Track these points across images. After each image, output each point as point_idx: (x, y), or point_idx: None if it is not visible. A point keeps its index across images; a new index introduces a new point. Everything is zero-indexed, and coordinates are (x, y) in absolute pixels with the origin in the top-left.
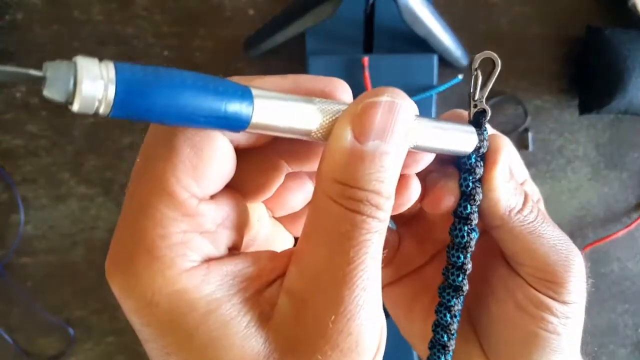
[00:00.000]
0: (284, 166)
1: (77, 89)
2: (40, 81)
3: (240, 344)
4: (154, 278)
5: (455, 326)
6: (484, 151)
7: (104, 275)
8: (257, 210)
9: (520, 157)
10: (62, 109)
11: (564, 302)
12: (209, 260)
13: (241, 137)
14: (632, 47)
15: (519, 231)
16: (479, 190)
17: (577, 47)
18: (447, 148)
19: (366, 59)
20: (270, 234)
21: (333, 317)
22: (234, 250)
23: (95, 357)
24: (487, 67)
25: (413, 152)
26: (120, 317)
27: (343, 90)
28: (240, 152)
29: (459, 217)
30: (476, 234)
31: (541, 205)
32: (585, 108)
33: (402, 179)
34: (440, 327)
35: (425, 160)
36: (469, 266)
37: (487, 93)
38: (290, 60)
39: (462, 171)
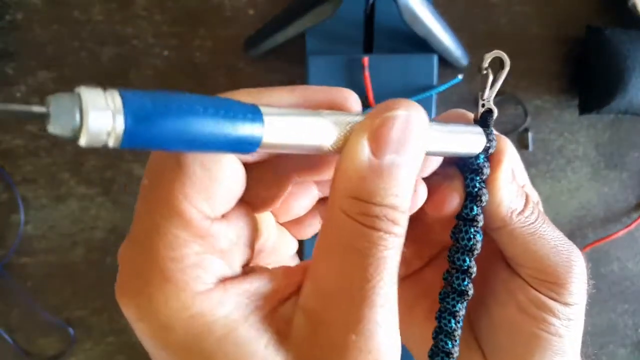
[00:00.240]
0: (293, 177)
1: (84, 123)
2: (44, 118)
3: None
4: (168, 302)
5: (459, 332)
6: (492, 151)
7: (104, 275)
8: (265, 218)
9: (520, 158)
10: None
11: (565, 304)
12: (223, 280)
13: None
14: (632, 47)
15: (520, 232)
16: (485, 191)
17: (577, 47)
18: (457, 151)
19: (366, 59)
20: (276, 240)
21: (354, 336)
22: (246, 264)
23: (95, 357)
24: (494, 66)
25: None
26: (120, 317)
27: (353, 101)
28: (248, 166)
29: (464, 219)
30: (481, 236)
31: (540, 207)
32: (585, 108)
33: None
34: (443, 334)
35: (434, 164)
36: (474, 269)
37: (495, 93)
38: (290, 60)
39: (467, 172)
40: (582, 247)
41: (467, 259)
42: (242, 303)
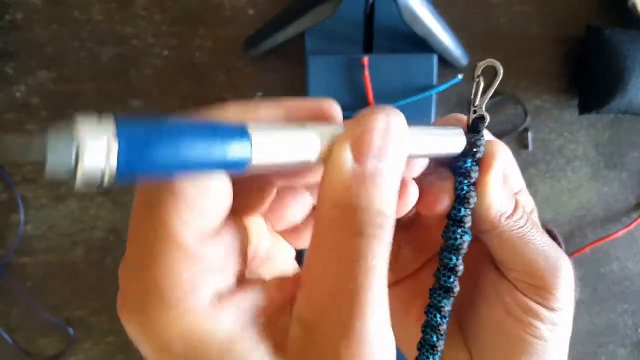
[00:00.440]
0: (275, 181)
1: (79, 172)
2: (41, 162)
3: None
4: (167, 323)
5: (444, 327)
6: (480, 156)
7: (104, 275)
8: (254, 223)
9: (518, 163)
10: (62, 109)
11: (552, 309)
12: (220, 296)
13: None
14: (632, 47)
15: (509, 236)
16: (473, 194)
17: (577, 47)
18: (438, 152)
19: (366, 59)
20: (271, 248)
21: (347, 344)
22: (241, 277)
23: (95, 357)
24: (489, 73)
25: (407, 160)
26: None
27: (335, 110)
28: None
29: (453, 219)
30: (469, 237)
31: (535, 216)
32: (585, 108)
33: (401, 185)
34: (430, 328)
35: (420, 166)
36: (461, 268)
37: (487, 100)
38: (290, 60)
39: (457, 175)
40: (582, 247)
41: (454, 258)
42: (239, 317)
